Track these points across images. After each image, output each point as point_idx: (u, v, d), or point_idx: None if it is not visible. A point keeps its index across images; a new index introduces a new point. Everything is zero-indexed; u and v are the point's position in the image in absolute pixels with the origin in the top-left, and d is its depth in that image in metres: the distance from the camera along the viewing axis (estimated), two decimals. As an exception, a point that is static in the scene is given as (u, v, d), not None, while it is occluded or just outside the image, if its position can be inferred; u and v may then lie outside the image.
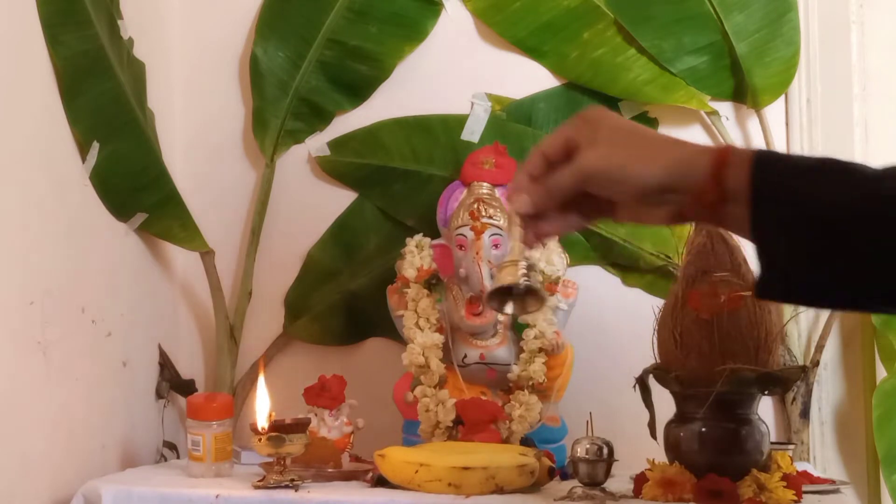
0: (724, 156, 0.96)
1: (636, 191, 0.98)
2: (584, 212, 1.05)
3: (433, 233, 2.13)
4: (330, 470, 1.88)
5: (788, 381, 1.79)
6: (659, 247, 2.22)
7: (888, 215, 0.91)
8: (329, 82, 2.31)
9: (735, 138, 2.24)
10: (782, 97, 2.24)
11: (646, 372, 1.75)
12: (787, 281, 0.97)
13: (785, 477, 1.68)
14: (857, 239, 0.92)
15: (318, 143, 2.33)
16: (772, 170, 0.95)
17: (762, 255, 0.97)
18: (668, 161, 0.97)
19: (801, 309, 2.17)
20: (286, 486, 1.74)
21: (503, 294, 1.09)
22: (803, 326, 2.21)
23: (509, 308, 1.10)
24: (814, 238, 0.93)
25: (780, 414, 2.20)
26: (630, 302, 2.22)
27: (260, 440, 1.76)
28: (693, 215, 1.00)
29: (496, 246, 2.01)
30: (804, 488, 1.73)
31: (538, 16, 2.27)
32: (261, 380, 1.90)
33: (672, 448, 1.74)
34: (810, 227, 0.93)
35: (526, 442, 1.95)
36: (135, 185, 2.09)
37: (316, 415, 1.98)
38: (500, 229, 2.03)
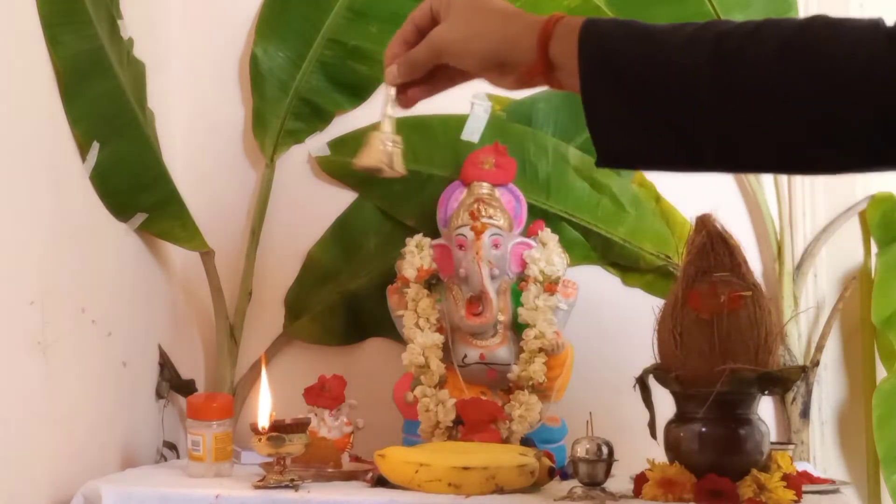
0: (548, 29, 1.03)
1: (475, 64, 1.08)
2: (448, 76, 1.16)
3: (433, 233, 2.13)
4: (330, 470, 1.88)
5: (788, 381, 1.79)
6: (659, 247, 2.23)
7: (704, 74, 0.98)
8: (329, 82, 2.31)
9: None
10: (782, 97, 2.24)
11: (646, 372, 1.75)
12: (621, 144, 1.02)
13: (785, 477, 1.68)
14: (679, 95, 0.98)
15: (318, 143, 2.33)
16: (598, 42, 1.02)
17: (592, 123, 1.02)
18: (498, 37, 1.05)
19: (801, 309, 2.18)
20: (286, 486, 1.74)
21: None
22: (803, 326, 2.21)
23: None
24: (640, 102, 0.99)
25: (780, 414, 2.20)
26: (630, 302, 2.22)
27: (260, 440, 1.76)
28: (534, 82, 1.07)
29: (496, 246, 2.01)
30: (804, 488, 1.73)
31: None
32: (263, 376, 1.90)
33: (672, 448, 1.74)
34: (636, 94, 0.99)
35: (526, 442, 1.95)
36: (135, 185, 2.09)
37: (316, 415, 1.98)
38: (500, 229, 2.03)
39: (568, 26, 1.03)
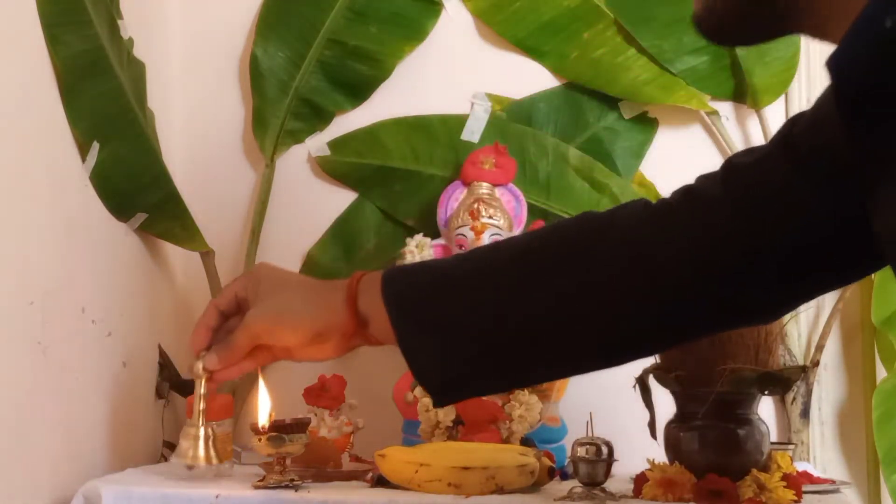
0: (353, 286, 1.09)
1: (295, 339, 1.11)
2: (270, 353, 1.16)
3: (433, 233, 2.13)
4: (330, 470, 1.88)
5: (788, 381, 1.79)
6: (659, 247, 2.22)
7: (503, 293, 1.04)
8: (329, 82, 2.31)
9: (735, 138, 2.25)
10: (782, 97, 2.24)
11: (646, 372, 1.75)
12: (447, 376, 1.08)
13: (785, 477, 1.68)
14: (483, 315, 1.05)
15: (318, 143, 2.33)
16: (399, 288, 1.07)
17: (412, 364, 1.08)
18: (309, 308, 1.10)
19: (801, 309, 2.18)
20: (286, 486, 1.74)
21: None
22: (803, 326, 2.21)
23: None
24: (450, 331, 1.05)
25: (780, 414, 2.20)
26: (630, 302, 2.21)
27: (260, 440, 1.76)
28: (353, 343, 1.12)
29: (496, 246, 2.01)
30: (804, 488, 1.73)
31: (538, 16, 2.27)
32: (261, 382, 1.90)
33: (672, 448, 1.74)
34: (445, 325, 1.06)
35: (526, 442, 1.95)
36: (135, 185, 2.09)
37: (316, 415, 1.98)
38: (500, 229, 2.03)
39: (371, 280, 1.09)
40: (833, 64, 0.75)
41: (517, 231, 2.08)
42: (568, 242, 1.06)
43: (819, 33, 0.83)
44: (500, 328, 1.05)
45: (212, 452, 1.69)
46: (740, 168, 1.02)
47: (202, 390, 1.64)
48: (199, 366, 1.61)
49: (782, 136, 1.01)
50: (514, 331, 1.05)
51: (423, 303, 1.07)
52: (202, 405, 1.75)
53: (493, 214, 2.03)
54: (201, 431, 1.70)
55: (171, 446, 2.23)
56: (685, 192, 1.05)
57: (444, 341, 1.06)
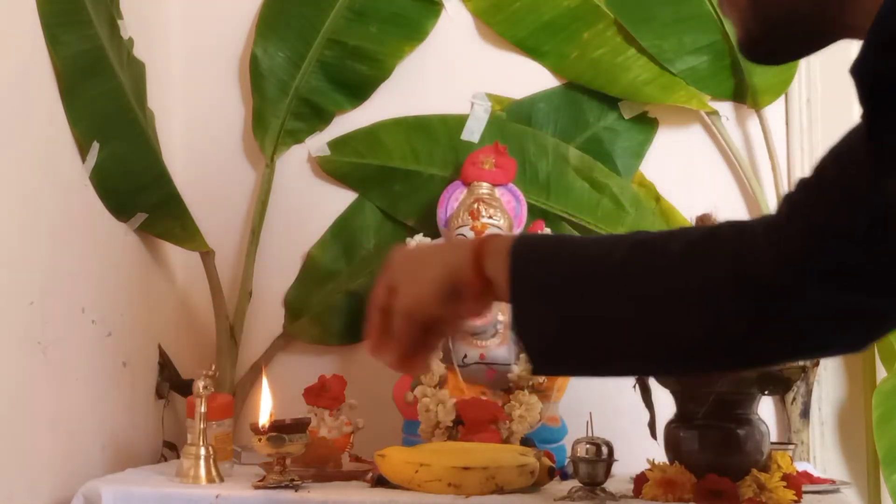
0: (480, 248, 1.10)
1: (435, 301, 1.11)
2: (435, 332, 1.16)
3: (433, 233, 2.13)
4: (330, 470, 1.88)
5: (788, 381, 1.79)
6: (659, 247, 2.22)
7: (617, 282, 1.06)
8: (329, 82, 2.31)
9: (735, 138, 2.25)
10: (782, 97, 2.24)
11: (646, 372, 1.75)
12: (551, 355, 1.09)
13: (785, 477, 1.68)
14: (597, 297, 1.06)
15: (318, 143, 2.33)
16: (526, 256, 1.09)
17: (521, 331, 1.09)
18: (441, 268, 1.11)
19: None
20: (286, 486, 1.74)
21: None
22: (803, 326, 2.21)
23: None
24: (565, 306, 1.07)
25: (780, 414, 2.20)
26: (630, 302, 2.21)
27: (260, 440, 1.76)
28: (484, 301, 1.13)
29: (496, 246, 2.01)
30: (804, 488, 1.73)
31: (538, 16, 2.27)
32: (264, 383, 1.90)
33: (672, 448, 1.74)
34: (560, 300, 1.07)
35: (526, 442, 1.95)
36: (135, 185, 2.09)
37: (316, 415, 1.98)
38: (500, 229, 2.03)
39: (497, 245, 1.10)
40: (855, 70, 0.77)
41: (517, 231, 2.08)
42: (689, 244, 1.07)
43: (861, 35, 0.84)
44: (605, 313, 1.06)
45: (213, 472, 1.74)
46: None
47: (203, 408, 1.68)
48: (200, 385, 1.65)
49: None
50: (614, 319, 1.06)
51: (542, 271, 1.08)
52: (202, 425, 1.80)
53: (493, 214, 2.03)
54: (202, 451, 1.76)
55: (171, 446, 2.24)
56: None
57: (554, 311, 1.07)
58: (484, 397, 2.01)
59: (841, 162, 0.98)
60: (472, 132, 2.27)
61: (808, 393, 2.18)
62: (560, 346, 1.09)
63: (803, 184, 1.02)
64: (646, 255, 1.07)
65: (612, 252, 1.09)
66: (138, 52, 2.12)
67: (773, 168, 2.22)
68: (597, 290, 1.07)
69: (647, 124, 2.28)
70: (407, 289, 1.13)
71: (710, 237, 1.08)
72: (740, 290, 1.02)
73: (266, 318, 2.32)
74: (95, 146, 1.96)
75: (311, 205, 2.34)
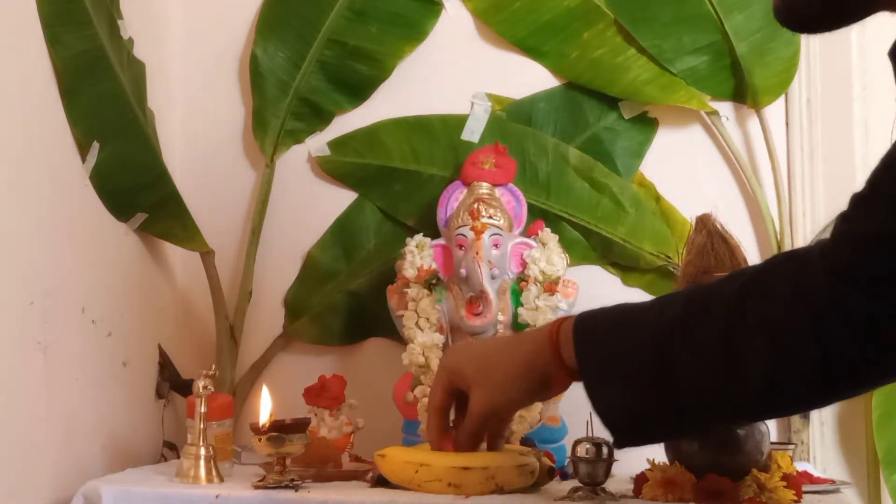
0: (555, 339, 1.12)
1: (523, 402, 1.18)
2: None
3: (433, 233, 2.13)
4: (330, 470, 1.88)
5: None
6: (659, 247, 2.22)
7: (676, 333, 1.05)
8: (329, 82, 2.31)
9: (735, 138, 2.24)
10: (782, 97, 2.24)
11: (646, 372, 1.75)
12: (631, 430, 1.11)
13: (785, 477, 1.68)
14: (659, 361, 1.06)
15: (318, 143, 2.33)
16: (588, 344, 1.11)
17: (602, 422, 1.11)
18: (522, 374, 1.13)
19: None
20: (286, 486, 1.74)
21: None
22: (803, 326, 2.21)
23: None
24: (630, 377, 1.07)
25: (780, 414, 2.20)
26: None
27: (260, 440, 1.76)
28: (563, 387, 1.16)
29: (496, 246, 2.01)
30: (804, 488, 1.73)
31: (538, 16, 2.27)
32: (264, 390, 1.90)
33: (672, 448, 1.74)
34: (624, 372, 1.08)
35: (526, 442, 1.95)
36: (135, 185, 2.09)
37: (316, 415, 1.98)
38: (500, 229, 2.03)
39: (566, 332, 1.12)
40: (892, 52, 0.77)
41: (517, 231, 2.08)
42: (744, 286, 1.05)
43: None
44: (674, 375, 1.05)
45: (213, 472, 1.75)
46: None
47: (203, 408, 1.68)
48: (200, 385, 1.65)
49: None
50: (683, 377, 1.05)
51: (605, 352, 1.09)
52: (202, 425, 1.80)
53: (493, 214, 2.03)
54: (202, 451, 1.77)
55: (171, 446, 2.24)
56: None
57: (624, 388, 1.08)
58: (484, 397, 2.01)
59: (891, 169, 0.96)
60: (472, 132, 2.27)
61: (808, 393, 2.17)
62: (638, 420, 1.08)
63: (855, 198, 1.01)
64: (702, 304, 1.05)
65: (665, 311, 1.07)
66: (138, 52, 2.12)
67: (773, 168, 2.22)
68: (661, 354, 1.05)
69: (647, 124, 2.28)
70: (487, 393, 1.13)
71: (766, 270, 1.05)
72: (801, 309, 1.00)
73: (266, 318, 2.32)
74: (95, 146, 1.96)
75: (311, 205, 2.34)
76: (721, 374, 1.03)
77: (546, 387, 1.12)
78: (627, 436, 1.11)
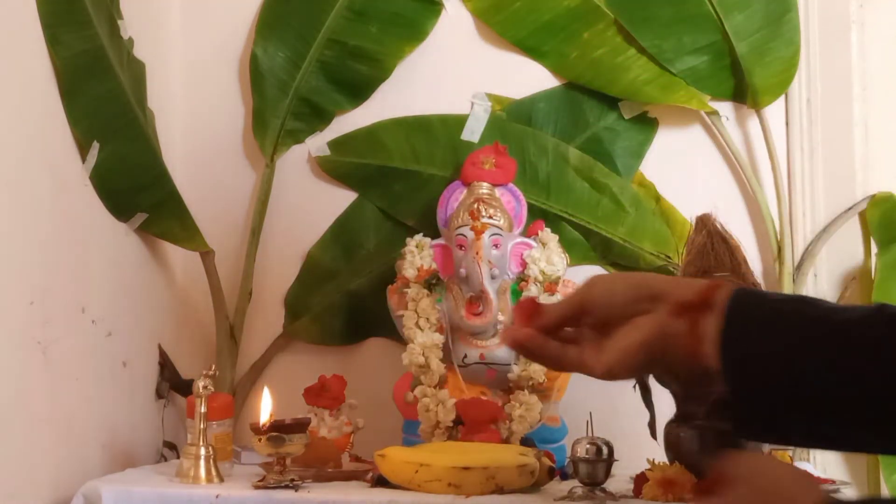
0: (710, 298, 0.98)
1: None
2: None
3: (433, 233, 2.13)
4: (330, 470, 1.88)
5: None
6: (659, 247, 2.22)
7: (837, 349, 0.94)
8: (329, 82, 2.31)
9: (735, 138, 2.24)
10: (782, 97, 2.24)
11: (646, 372, 1.75)
12: (761, 421, 1.00)
13: (785, 477, 1.68)
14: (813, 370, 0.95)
15: (318, 143, 2.33)
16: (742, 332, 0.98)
17: (734, 403, 1.00)
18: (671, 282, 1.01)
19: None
20: (286, 486, 1.74)
21: None
22: (803, 326, 2.20)
23: None
24: (776, 378, 0.97)
25: (780, 414, 2.20)
26: (630, 302, 2.21)
27: (260, 440, 1.76)
28: (671, 330, 1.01)
29: (496, 246, 2.01)
30: (804, 488, 1.72)
31: (538, 16, 2.27)
32: (265, 390, 1.91)
33: (672, 448, 1.74)
34: (773, 371, 0.97)
35: (526, 442, 1.95)
36: (135, 185, 2.09)
37: (316, 415, 1.98)
38: (500, 229, 2.03)
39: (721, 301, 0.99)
40: None
41: (517, 231, 2.08)
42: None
43: None
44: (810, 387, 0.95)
45: (213, 472, 1.75)
46: None
47: (203, 408, 1.69)
48: (200, 385, 1.67)
49: None
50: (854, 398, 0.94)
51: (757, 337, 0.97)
52: (202, 425, 1.80)
53: (493, 214, 2.03)
54: (202, 451, 1.77)
55: (171, 446, 2.24)
56: None
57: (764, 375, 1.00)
58: (484, 397, 2.01)
59: None
60: (472, 132, 2.27)
61: (808, 393, 2.17)
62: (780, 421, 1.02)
63: None
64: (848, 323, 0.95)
65: (864, 324, 1.00)
66: (138, 52, 2.12)
67: (773, 168, 2.21)
68: (848, 365, 0.95)
69: (647, 124, 2.28)
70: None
71: None
72: None
73: (266, 318, 2.32)
74: (95, 146, 1.96)
75: (311, 205, 2.34)
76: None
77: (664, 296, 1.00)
78: (761, 432, 1.05)
